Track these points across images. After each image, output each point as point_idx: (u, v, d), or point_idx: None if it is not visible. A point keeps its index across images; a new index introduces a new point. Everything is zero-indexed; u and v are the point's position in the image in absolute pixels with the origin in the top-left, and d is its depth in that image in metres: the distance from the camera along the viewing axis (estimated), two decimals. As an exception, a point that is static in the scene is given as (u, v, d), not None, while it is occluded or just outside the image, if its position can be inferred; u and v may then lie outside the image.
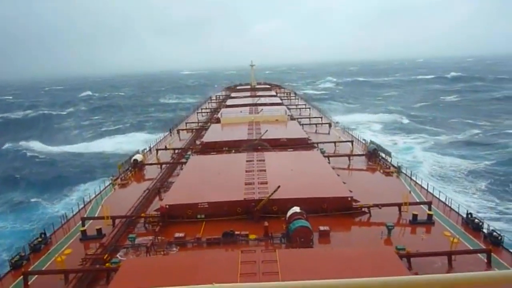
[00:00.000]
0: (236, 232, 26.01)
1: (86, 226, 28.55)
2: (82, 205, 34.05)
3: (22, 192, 66.40)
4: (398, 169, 40.04)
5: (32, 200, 61.27)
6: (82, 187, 65.58)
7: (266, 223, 26.60)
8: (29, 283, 21.69)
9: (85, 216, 30.54)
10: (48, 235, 27.95)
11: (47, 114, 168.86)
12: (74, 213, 32.42)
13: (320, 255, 21.88)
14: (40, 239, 26.97)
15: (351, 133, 59.83)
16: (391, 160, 43.30)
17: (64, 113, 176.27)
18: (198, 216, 29.33)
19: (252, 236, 25.95)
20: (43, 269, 23.72)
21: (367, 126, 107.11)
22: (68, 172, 77.13)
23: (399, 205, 29.53)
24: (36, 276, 22.58)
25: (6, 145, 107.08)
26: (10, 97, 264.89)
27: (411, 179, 37.64)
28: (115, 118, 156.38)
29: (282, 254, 20.79)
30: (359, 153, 47.05)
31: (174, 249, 25.31)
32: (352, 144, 51.08)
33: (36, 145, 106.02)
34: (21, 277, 21.92)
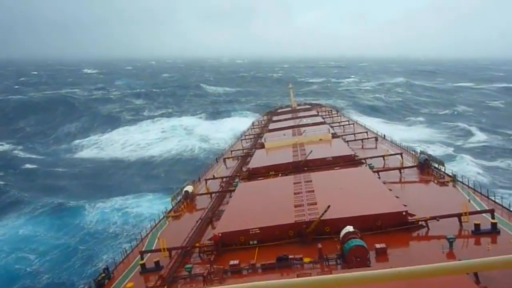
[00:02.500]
0: (290, 256, 25.81)
1: (145, 259, 29.58)
2: (140, 239, 35.42)
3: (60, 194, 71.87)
4: (454, 178, 38.10)
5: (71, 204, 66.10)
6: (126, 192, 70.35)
7: (319, 245, 26.19)
8: None
9: (143, 249, 31.65)
10: (110, 270, 29.31)
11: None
12: (133, 247, 33.74)
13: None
14: (103, 275, 28.33)
15: (399, 145, 57.99)
16: (444, 169, 41.36)
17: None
18: (251, 242, 29.47)
19: (306, 259, 25.63)
20: None
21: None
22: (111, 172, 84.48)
23: (459, 216, 27.96)
24: None
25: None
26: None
27: (468, 187, 35.67)
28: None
29: None
30: (410, 165, 45.43)
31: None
32: (402, 157, 49.36)
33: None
34: None
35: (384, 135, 67.04)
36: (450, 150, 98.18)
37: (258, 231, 29.54)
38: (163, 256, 29.52)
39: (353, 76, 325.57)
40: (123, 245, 43.03)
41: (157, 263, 28.64)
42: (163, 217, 40.96)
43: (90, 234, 57.22)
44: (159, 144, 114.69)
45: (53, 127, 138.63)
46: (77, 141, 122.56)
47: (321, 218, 28.54)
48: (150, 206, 66.08)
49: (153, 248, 32.31)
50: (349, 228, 25.82)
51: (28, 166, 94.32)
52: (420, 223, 28.47)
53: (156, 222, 39.49)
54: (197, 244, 30.79)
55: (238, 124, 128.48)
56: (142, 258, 29.60)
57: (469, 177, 40.46)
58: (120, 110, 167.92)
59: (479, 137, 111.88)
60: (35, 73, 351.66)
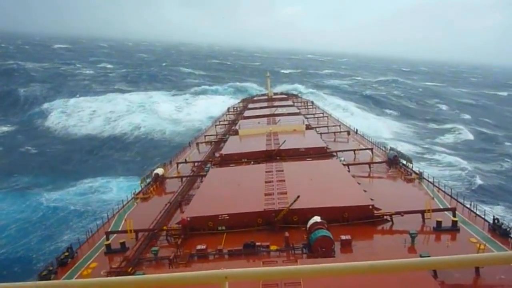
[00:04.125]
0: (257, 243, 26.07)
1: (110, 240, 29.13)
2: (106, 220, 34.81)
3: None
4: (420, 175, 39.41)
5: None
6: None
7: (286, 234, 26.59)
8: None
9: (109, 230, 31.15)
10: (74, 249, 28.71)
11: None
12: (99, 227, 33.14)
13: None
14: (67, 253, 27.73)
15: (370, 140, 59.28)
16: (412, 167, 42.67)
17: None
18: (219, 228, 29.55)
19: (273, 247, 25.97)
20: None
21: None
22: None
23: (422, 212, 29.03)
24: None
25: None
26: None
27: (433, 185, 36.97)
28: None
29: (303, 264, 20.74)
30: (379, 160, 46.57)
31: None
32: (372, 152, 50.58)
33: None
34: None
35: (357, 130, 68.24)
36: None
37: (227, 217, 29.63)
38: (130, 238, 29.16)
39: (328, 69, 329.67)
40: (89, 224, 42.24)
41: (123, 244, 28.27)
42: (131, 198, 40.35)
43: (53, 212, 55.67)
44: (128, 117, 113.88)
45: (18, 96, 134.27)
46: (45, 106, 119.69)
47: (290, 208, 28.91)
48: (116, 185, 65.14)
49: (120, 229, 31.87)
50: (317, 219, 26.31)
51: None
52: (385, 217, 29.34)
53: (124, 203, 38.86)
54: (164, 227, 30.56)
55: (205, 105, 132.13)
56: (107, 239, 29.13)
57: (434, 175, 41.85)
58: (90, 82, 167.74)
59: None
60: (3, 45, 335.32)
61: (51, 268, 25.78)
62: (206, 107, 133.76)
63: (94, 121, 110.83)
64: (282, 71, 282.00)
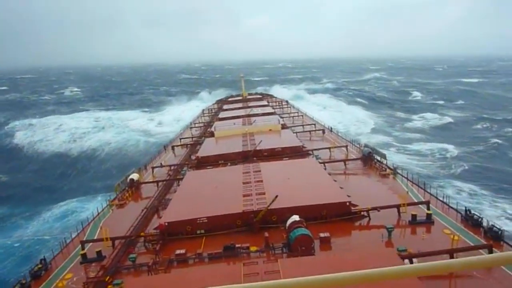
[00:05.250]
0: (237, 245, 25.95)
1: (86, 249, 28.32)
2: (81, 228, 33.80)
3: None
4: (394, 171, 40.26)
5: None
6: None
7: (266, 234, 26.58)
8: None
9: (84, 239, 30.29)
10: (48, 261, 27.71)
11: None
12: (73, 236, 32.15)
13: (322, 262, 21.89)
14: (40, 266, 26.73)
15: (345, 138, 60.15)
16: (386, 162, 43.54)
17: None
18: (198, 232, 29.23)
19: (253, 248, 25.90)
20: None
21: None
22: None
23: (398, 207, 29.65)
24: None
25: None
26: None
27: (407, 179, 37.83)
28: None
29: (284, 264, 20.78)
30: (354, 157, 47.29)
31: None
32: (347, 149, 51.32)
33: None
34: None
35: (331, 128, 69.11)
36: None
37: (206, 220, 29.35)
38: (106, 246, 28.44)
39: (298, 74, 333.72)
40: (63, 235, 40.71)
41: (99, 253, 27.53)
42: (107, 206, 39.39)
43: (30, 235, 52.93)
44: (96, 134, 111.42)
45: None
46: (10, 125, 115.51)
47: (269, 208, 28.93)
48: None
49: (95, 237, 31.03)
50: (295, 217, 26.45)
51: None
52: (362, 213, 29.80)
53: (99, 211, 37.88)
54: (142, 234, 29.98)
55: (178, 112, 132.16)
56: (83, 248, 28.31)
57: (408, 169, 42.88)
58: (55, 103, 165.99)
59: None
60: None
61: (23, 282, 24.78)
62: (179, 114, 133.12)
63: (60, 137, 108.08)
64: (254, 78, 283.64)
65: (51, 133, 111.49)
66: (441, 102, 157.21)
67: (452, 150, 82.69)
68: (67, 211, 61.10)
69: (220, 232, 28.70)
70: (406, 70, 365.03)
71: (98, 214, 37.11)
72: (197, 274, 22.38)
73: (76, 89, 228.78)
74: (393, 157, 68.36)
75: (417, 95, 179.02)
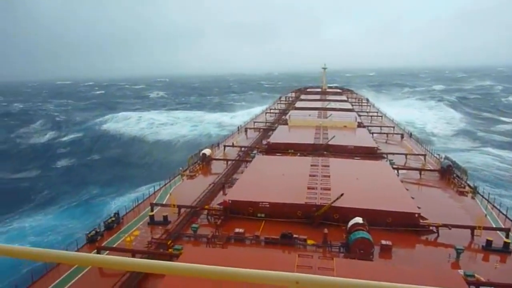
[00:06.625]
0: (295, 235, 26.04)
1: (154, 211, 30.39)
2: (153, 192, 36.32)
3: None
4: (474, 190, 37.15)
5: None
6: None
7: (325, 230, 26.28)
8: None
9: (154, 202, 32.48)
10: (120, 215, 30.31)
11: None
12: (144, 198, 34.68)
13: (379, 269, 21.14)
14: (113, 219, 29.37)
15: (424, 146, 56.70)
16: (466, 179, 40.34)
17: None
18: (258, 215, 29.81)
19: (310, 241, 25.81)
20: (114, 246, 25.74)
21: None
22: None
23: (472, 228, 27.42)
24: (107, 252, 24.57)
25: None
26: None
27: (488, 201, 34.75)
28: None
29: (339, 263, 20.45)
30: (432, 168, 44.48)
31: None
32: (425, 158, 48.36)
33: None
34: (95, 250, 24.07)
35: (411, 133, 65.53)
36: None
37: (267, 205, 29.79)
38: (172, 212, 30.26)
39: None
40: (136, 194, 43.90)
41: (165, 217, 29.41)
42: (178, 175, 41.71)
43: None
44: (171, 127, 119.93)
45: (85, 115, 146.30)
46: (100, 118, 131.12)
47: (332, 204, 28.51)
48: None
49: (164, 202, 33.11)
50: (358, 220, 25.74)
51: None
52: (431, 228, 28.09)
53: (170, 178, 40.28)
54: (206, 207, 31.36)
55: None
56: (152, 210, 30.42)
57: (490, 191, 39.24)
58: (140, 103, 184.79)
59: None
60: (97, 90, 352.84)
61: (98, 231, 27.47)
62: (252, 111, 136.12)
63: (140, 126, 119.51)
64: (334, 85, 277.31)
65: (133, 123, 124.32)
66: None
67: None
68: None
69: (280, 219, 28.98)
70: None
71: (169, 181, 39.51)
72: (252, 255, 22.93)
73: (161, 93, 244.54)
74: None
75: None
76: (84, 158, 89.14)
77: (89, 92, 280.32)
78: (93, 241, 26.40)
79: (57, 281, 21.75)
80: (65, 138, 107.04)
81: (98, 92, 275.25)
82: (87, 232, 27.28)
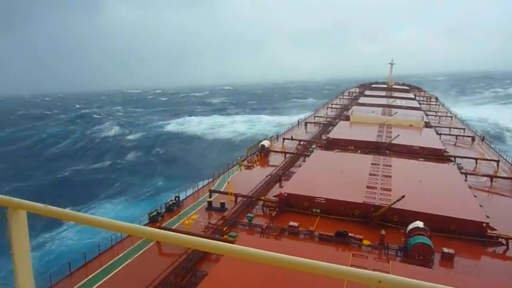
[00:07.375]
0: (350, 234, 25.53)
1: (212, 198, 31.40)
2: (211, 179, 37.54)
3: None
4: None
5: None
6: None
7: (383, 232, 25.45)
8: None
9: (213, 189, 33.53)
10: (181, 199, 31.74)
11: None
12: (204, 184, 35.96)
13: (439, 277, 20.12)
14: (174, 201, 30.87)
15: (498, 151, 52.49)
16: None
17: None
18: (314, 210, 29.59)
19: (366, 242, 25.16)
20: (174, 227, 27.04)
21: None
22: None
23: None
24: None
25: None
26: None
27: None
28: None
29: (395, 267, 19.77)
30: (505, 175, 41.14)
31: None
32: (498, 164, 44.74)
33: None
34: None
35: (483, 137, 60.94)
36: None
37: (324, 201, 29.47)
38: (229, 200, 31.07)
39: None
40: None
41: (222, 204, 30.30)
42: (236, 164, 42.62)
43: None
44: (231, 126, 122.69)
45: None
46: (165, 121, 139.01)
47: (392, 206, 27.52)
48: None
49: (222, 190, 34.07)
50: (419, 224, 24.60)
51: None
52: (500, 239, 26.12)
53: (229, 166, 41.30)
54: (262, 197, 31.76)
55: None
56: (210, 196, 31.48)
57: None
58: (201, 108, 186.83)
59: None
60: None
61: (159, 211, 29.07)
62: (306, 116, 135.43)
63: (201, 127, 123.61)
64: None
65: (194, 124, 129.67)
66: None
67: None
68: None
69: (336, 216, 28.56)
70: None
71: (228, 169, 40.55)
72: (305, 250, 22.91)
73: (223, 99, 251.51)
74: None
75: None
76: (149, 153, 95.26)
77: (156, 99, 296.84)
78: (154, 221, 27.97)
79: (121, 254, 23.39)
80: (130, 137, 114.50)
81: (164, 99, 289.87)
82: (150, 212, 28.94)
